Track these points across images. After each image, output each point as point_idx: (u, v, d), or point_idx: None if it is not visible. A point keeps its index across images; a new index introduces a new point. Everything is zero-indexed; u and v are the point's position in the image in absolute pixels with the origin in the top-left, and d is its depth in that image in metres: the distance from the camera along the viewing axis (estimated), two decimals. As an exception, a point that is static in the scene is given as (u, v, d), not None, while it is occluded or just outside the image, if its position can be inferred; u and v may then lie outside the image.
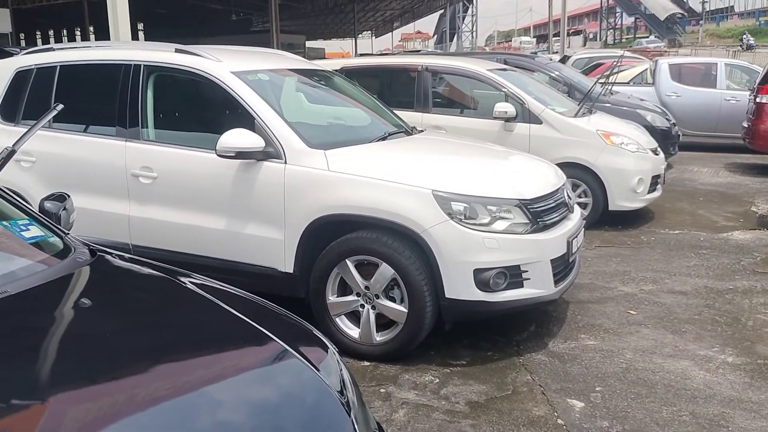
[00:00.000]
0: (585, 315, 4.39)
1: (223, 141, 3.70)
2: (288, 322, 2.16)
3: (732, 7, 69.41)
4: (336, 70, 6.13)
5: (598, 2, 68.44)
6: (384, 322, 3.68)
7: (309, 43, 53.24)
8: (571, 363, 3.71)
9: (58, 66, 4.56)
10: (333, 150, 3.81)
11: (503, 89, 6.69)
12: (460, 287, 3.50)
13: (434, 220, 3.48)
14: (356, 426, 1.77)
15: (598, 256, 5.67)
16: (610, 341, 3.99)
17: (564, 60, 15.86)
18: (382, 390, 3.41)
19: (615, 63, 8.54)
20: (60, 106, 2.97)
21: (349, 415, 1.77)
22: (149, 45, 4.92)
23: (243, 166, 3.83)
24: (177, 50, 4.29)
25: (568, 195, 4.17)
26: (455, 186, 3.58)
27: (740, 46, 39.16)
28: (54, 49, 4.82)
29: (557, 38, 33.27)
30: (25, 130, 2.90)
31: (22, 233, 2.29)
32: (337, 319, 3.74)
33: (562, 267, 3.82)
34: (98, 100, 4.53)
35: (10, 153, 2.73)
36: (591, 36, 72.09)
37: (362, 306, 3.68)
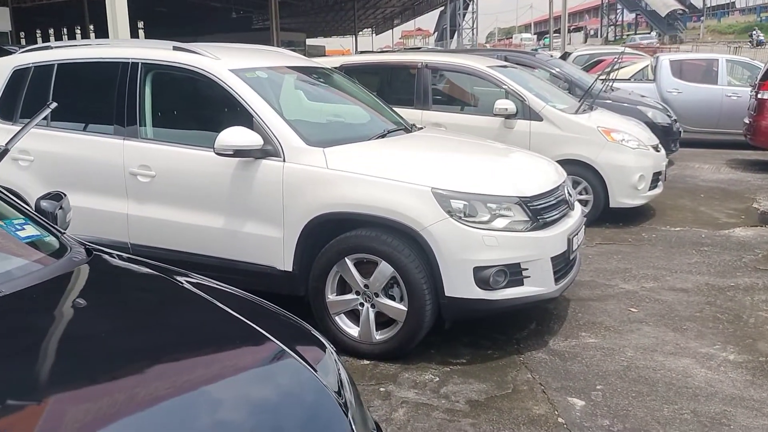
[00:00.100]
0: (586, 313, 4.37)
1: (221, 139, 3.68)
2: (285, 321, 2.15)
3: (733, 3, 69.29)
4: (336, 68, 6.12)
5: (599, -2, 68.31)
6: (383, 320, 3.66)
7: (309, 41, 53.17)
8: (571, 361, 3.70)
9: (56, 64, 4.54)
10: (332, 148, 3.79)
11: (503, 86, 6.66)
12: (459, 285, 3.48)
13: (434, 217, 3.46)
14: (354, 426, 1.76)
15: (599, 253, 5.65)
16: (611, 339, 3.97)
17: (565, 57, 15.82)
18: (381, 389, 3.39)
19: (616, 59, 8.51)
20: (53, 105, 2.96)
21: (347, 416, 1.76)
22: (147, 43, 4.90)
23: (241, 165, 3.81)
24: (175, 48, 4.28)
25: (568, 192, 4.15)
26: (454, 183, 3.56)
27: (749, 41, 38.97)
28: (52, 47, 4.81)
29: (557, 35, 33.24)
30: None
31: (17, 233, 2.28)
32: (337, 318, 3.73)
33: (562, 265, 3.80)
34: (96, 99, 4.51)
35: (3, 151, 2.71)
36: (592, 33, 71.98)
37: (362, 304, 3.66)
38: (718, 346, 3.87)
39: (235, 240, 3.88)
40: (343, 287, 3.71)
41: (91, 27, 33.77)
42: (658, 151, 6.84)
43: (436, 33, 69.50)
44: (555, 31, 35.54)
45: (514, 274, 3.55)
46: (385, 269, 3.54)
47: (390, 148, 4.13)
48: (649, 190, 6.55)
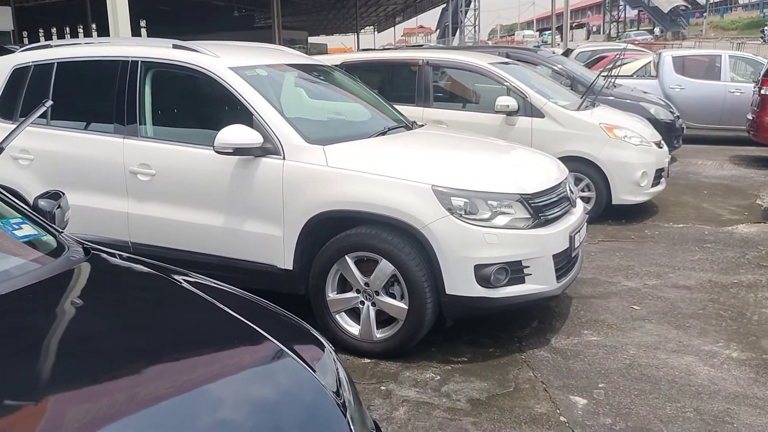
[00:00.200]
0: (588, 310, 4.35)
1: (220, 137, 3.67)
2: (284, 320, 2.13)
3: (736, -2, 69.05)
4: (337, 65, 6.10)
5: (602, -5, 68.13)
6: (384, 318, 3.65)
7: (311, 39, 53.18)
8: (573, 359, 3.68)
9: (56, 63, 4.53)
10: (332, 145, 3.77)
11: (505, 83, 6.64)
12: (460, 283, 3.46)
13: (434, 215, 3.44)
14: (352, 426, 1.74)
15: (601, 250, 5.63)
16: (614, 337, 3.95)
17: (567, 53, 15.77)
18: (382, 387, 3.38)
19: (617, 56, 8.47)
20: (49, 103, 2.94)
21: (345, 416, 1.74)
22: (147, 41, 4.88)
23: (241, 163, 3.79)
24: (174, 46, 4.26)
25: (570, 189, 4.12)
26: (455, 181, 3.54)
27: (761, 38, 38.71)
28: (51, 46, 4.80)
29: (557, 32, 33.18)
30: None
31: (14, 232, 2.27)
32: (337, 316, 3.71)
33: (564, 262, 3.78)
34: (96, 97, 4.50)
35: (-1, 150, 2.70)
36: (594, 29, 71.81)
37: (362, 303, 3.64)
38: (721, 344, 3.85)
39: (235, 238, 3.87)
40: (344, 285, 3.69)
41: (94, 26, 33.81)
42: (660, 147, 6.81)
43: (438, 30, 69.34)
44: (557, 28, 35.41)
45: (515, 271, 3.53)
46: (385, 267, 3.52)
47: (390, 145, 4.11)
48: (652, 186, 6.52)
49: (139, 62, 4.21)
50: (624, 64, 10.94)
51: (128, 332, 1.90)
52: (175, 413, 1.59)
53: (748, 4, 63.95)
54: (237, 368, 1.83)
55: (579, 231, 3.97)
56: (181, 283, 2.22)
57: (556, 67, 9.14)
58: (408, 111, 5.38)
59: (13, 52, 5.00)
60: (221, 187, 3.88)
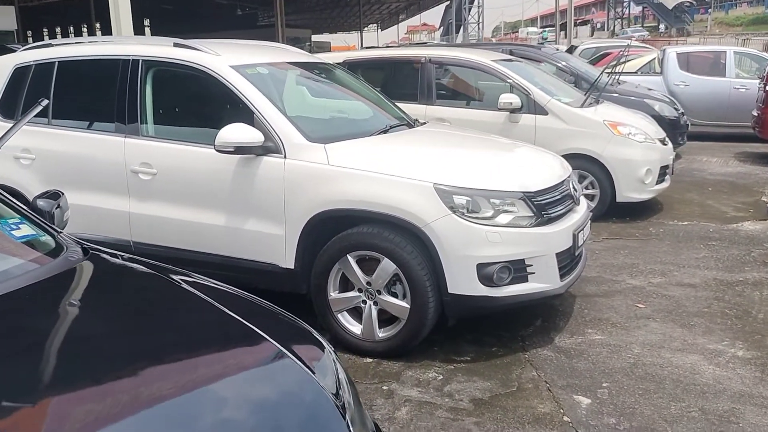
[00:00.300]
0: (592, 309, 4.32)
1: (221, 136, 3.65)
2: (283, 321, 2.11)
3: (741, -6, 68.70)
4: (339, 63, 6.07)
5: (606, -8, 67.84)
6: (386, 318, 3.62)
7: (315, 37, 53.10)
8: (577, 358, 3.65)
9: (57, 62, 4.52)
10: (333, 144, 3.75)
11: (508, 80, 6.60)
12: (463, 282, 3.43)
13: (436, 214, 3.42)
14: (351, 428, 1.72)
15: (605, 248, 5.60)
16: (618, 336, 3.92)
17: (571, 50, 15.71)
18: (384, 387, 3.36)
19: (622, 52, 8.43)
20: (44, 102, 2.93)
21: (344, 418, 1.72)
22: (147, 40, 4.88)
23: (242, 162, 3.78)
24: (175, 44, 4.24)
25: (573, 187, 4.09)
26: (457, 179, 3.52)
27: None
28: (52, 45, 4.79)
29: (556, 28, 33.06)
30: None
31: (12, 232, 2.25)
32: (339, 316, 3.69)
33: (567, 260, 3.76)
34: (97, 96, 4.49)
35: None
36: (599, 26, 71.57)
37: (364, 302, 3.62)
38: (726, 342, 3.82)
39: (236, 237, 3.85)
40: (346, 284, 3.67)
41: (98, 25, 33.84)
42: (665, 144, 6.77)
43: (442, 28, 69.25)
44: (561, 25, 35.28)
45: (518, 270, 3.50)
46: (387, 266, 3.50)
47: (392, 143, 4.09)
48: (657, 184, 6.48)
49: (140, 61, 4.20)
50: (628, 60, 10.90)
51: (126, 333, 1.89)
52: (170, 415, 1.57)
53: (753, 0, 63.64)
54: (235, 369, 1.81)
55: (583, 229, 3.94)
56: (179, 283, 2.20)
57: (559, 64, 9.10)
58: (411, 109, 5.36)
59: (14, 51, 4.99)
60: (222, 186, 3.86)
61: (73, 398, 1.57)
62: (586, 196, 5.95)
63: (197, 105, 4.48)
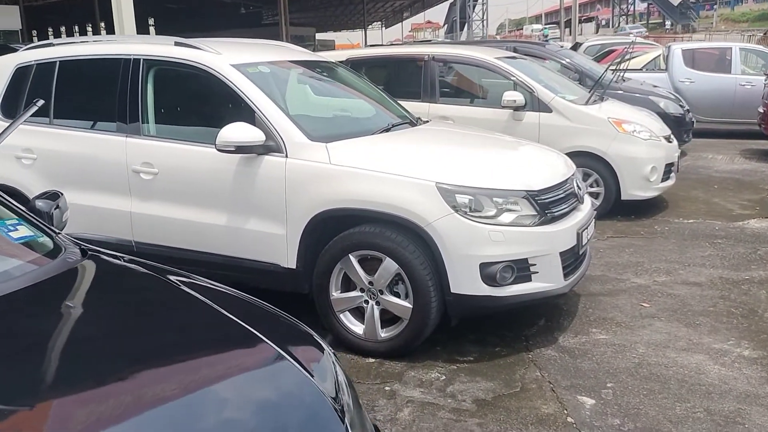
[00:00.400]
0: (596, 308, 4.29)
1: (222, 135, 3.63)
2: (282, 323, 2.09)
3: (747, -10, 68.35)
4: (342, 62, 6.05)
5: (611, -12, 67.63)
6: (388, 317, 3.60)
7: (319, 36, 53.12)
8: (581, 358, 3.62)
9: (58, 61, 4.51)
10: (335, 143, 3.72)
11: (512, 77, 6.57)
12: (465, 282, 3.41)
13: (438, 213, 3.39)
14: (350, 431, 1.70)
15: (610, 246, 5.56)
16: (622, 335, 3.89)
17: (576, 47, 15.65)
18: (386, 388, 3.34)
19: (626, 49, 8.38)
20: (40, 102, 2.91)
21: (343, 421, 1.70)
22: (148, 39, 4.86)
23: (244, 161, 3.76)
24: (176, 43, 4.23)
25: (577, 185, 4.06)
26: (460, 178, 3.49)
27: None
28: (54, 45, 4.77)
29: (557, 25, 32.96)
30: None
31: (10, 233, 2.23)
32: (341, 316, 3.67)
33: (571, 259, 3.73)
34: (98, 96, 4.47)
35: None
36: (603, 23, 71.35)
37: (366, 302, 3.60)
38: (732, 342, 3.78)
39: (238, 237, 3.84)
40: (348, 284, 3.65)
41: (102, 24, 33.90)
42: (670, 141, 6.73)
43: (446, 25, 69.09)
44: (566, 22, 35.18)
45: (521, 269, 3.47)
46: (389, 266, 3.47)
47: (394, 142, 4.06)
48: (662, 181, 6.44)
49: (141, 60, 4.18)
50: (633, 57, 10.84)
51: (123, 334, 1.87)
52: (166, 417, 1.55)
53: (759, -4, 63.32)
54: (233, 372, 1.78)
55: (587, 227, 3.91)
56: (178, 284, 2.18)
57: (564, 62, 9.05)
58: (414, 107, 5.33)
59: (16, 50, 4.99)
60: (224, 185, 3.85)
61: (70, 400, 1.56)
62: (591, 194, 5.92)
63: (198, 104, 4.46)
